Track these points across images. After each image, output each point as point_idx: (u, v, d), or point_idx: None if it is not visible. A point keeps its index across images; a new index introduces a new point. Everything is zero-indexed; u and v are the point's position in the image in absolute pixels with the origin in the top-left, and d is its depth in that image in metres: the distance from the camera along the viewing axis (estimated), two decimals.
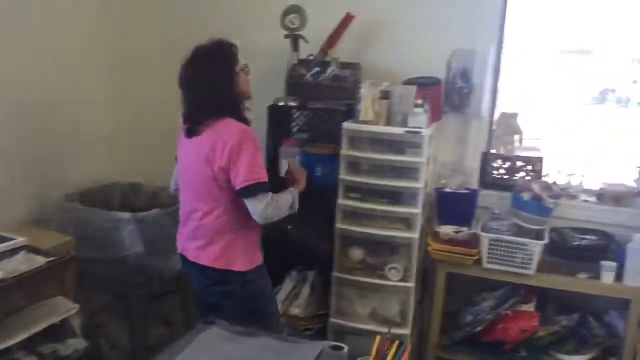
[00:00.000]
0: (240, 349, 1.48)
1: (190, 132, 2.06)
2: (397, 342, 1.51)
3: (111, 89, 3.06)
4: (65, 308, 2.20)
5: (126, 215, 2.52)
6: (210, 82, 2.00)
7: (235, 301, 2.10)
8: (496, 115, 2.85)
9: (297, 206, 2.15)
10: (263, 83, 2.83)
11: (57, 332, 2.17)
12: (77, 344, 2.22)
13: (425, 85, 2.53)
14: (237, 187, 1.97)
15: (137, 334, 2.73)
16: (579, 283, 2.50)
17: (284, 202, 2.08)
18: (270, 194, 2.01)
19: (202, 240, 2.08)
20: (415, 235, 2.49)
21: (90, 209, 2.60)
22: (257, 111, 2.62)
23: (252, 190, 1.96)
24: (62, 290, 2.24)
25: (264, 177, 1.98)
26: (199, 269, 2.12)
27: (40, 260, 2.13)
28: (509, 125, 2.79)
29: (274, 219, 2.04)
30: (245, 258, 2.10)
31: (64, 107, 2.78)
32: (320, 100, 2.61)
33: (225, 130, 1.98)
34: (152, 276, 2.59)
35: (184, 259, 2.20)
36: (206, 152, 1.99)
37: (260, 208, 1.98)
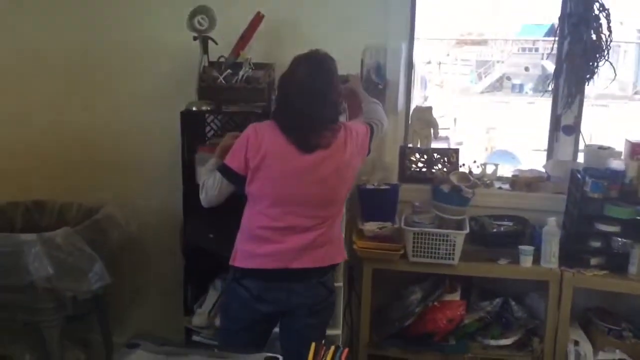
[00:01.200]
0: None
1: (311, 147, 1.99)
2: (333, 347, 1.47)
3: None
4: None
5: (30, 236, 2.33)
6: (335, 95, 2.06)
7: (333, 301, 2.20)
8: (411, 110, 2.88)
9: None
10: (174, 88, 2.73)
11: None
12: None
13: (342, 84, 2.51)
14: (367, 147, 2.17)
15: None
16: (500, 269, 2.57)
17: (373, 109, 2.37)
18: (370, 123, 2.23)
19: (331, 243, 2.10)
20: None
21: None
22: (169, 117, 2.52)
23: (371, 132, 2.19)
24: None
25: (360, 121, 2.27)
26: (319, 278, 2.08)
27: None
28: (424, 118, 2.82)
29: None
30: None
31: None
32: (234, 103, 2.53)
33: (348, 133, 2.07)
34: (64, 300, 2.41)
35: (271, 277, 2.05)
36: (346, 161, 2.05)
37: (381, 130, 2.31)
